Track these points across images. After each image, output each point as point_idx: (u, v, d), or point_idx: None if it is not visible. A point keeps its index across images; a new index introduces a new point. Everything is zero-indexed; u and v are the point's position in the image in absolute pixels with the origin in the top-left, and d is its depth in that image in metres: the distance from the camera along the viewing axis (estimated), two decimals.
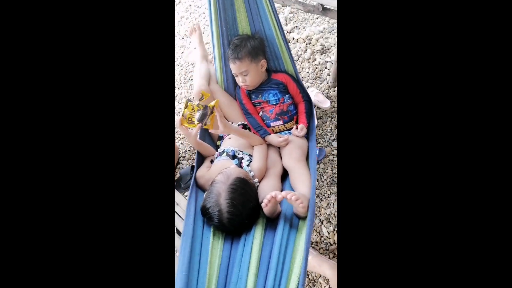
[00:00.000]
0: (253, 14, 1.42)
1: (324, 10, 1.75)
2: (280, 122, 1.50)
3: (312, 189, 1.17)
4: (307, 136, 1.49)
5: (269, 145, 1.49)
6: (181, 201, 1.62)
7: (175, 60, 2.59)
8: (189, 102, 1.25)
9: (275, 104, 1.49)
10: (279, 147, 1.49)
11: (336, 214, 1.65)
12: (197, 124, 1.27)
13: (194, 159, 2.19)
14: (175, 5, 2.93)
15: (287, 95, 1.51)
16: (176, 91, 2.43)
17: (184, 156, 2.13)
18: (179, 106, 2.32)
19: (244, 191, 1.15)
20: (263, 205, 1.10)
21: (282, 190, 1.33)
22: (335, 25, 2.43)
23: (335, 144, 1.91)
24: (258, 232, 1.11)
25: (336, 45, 1.90)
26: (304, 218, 1.13)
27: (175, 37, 2.74)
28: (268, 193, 1.18)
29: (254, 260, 1.02)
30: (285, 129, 1.51)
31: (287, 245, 1.05)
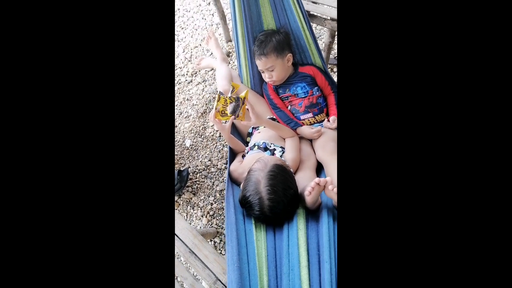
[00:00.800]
0: (278, 8, 1.43)
1: (310, 16, 1.82)
2: (310, 115, 1.48)
3: None
4: None
5: (300, 138, 1.47)
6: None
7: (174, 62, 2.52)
8: (221, 95, 1.24)
9: (304, 97, 1.48)
10: (311, 140, 1.47)
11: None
12: (230, 116, 1.26)
13: (180, 164, 2.12)
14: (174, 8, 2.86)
15: (316, 88, 1.50)
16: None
17: None
18: (180, 109, 2.25)
19: (284, 178, 1.12)
20: (306, 193, 1.07)
21: None
22: (322, 31, 2.53)
23: None
24: (301, 223, 1.08)
25: (323, 51, 1.98)
26: None
27: (175, 40, 2.67)
28: (305, 185, 1.17)
29: (303, 252, 0.99)
30: (315, 121, 1.50)
31: (335, 237, 1.02)
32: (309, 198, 1.08)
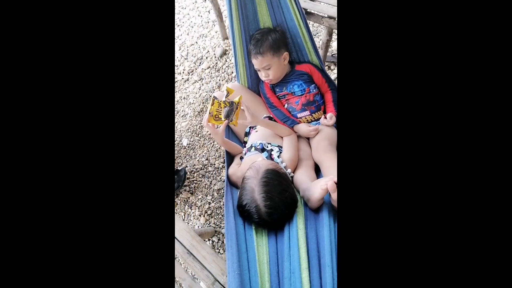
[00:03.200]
0: (274, 6, 1.41)
1: (307, 14, 1.81)
2: (307, 113, 1.47)
3: None
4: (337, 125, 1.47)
5: (298, 136, 1.46)
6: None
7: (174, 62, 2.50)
8: (215, 99, 1.23)
9: (301, 95, 1.47)
10: (308, 139, 1.46)
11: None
12: (224, 120, 1.26)
13: (178, 163, 2.11)
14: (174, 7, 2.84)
15: (313, 85, 1.49)
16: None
17: None
18: (177, 108, 2.24)
19: (278, 182, 1.12)
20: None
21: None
22: (319, 28, 2.51)
23: None
24: (300, 223, 1.08)
25: (320, 48, 1.98)
26: None
27: (175, 40, 2.65)
28: (306, 183, 1.18)
29: (303, 253, 0.99)
30: (313, 119, 1.49)
31: (336, 240, 1.01)
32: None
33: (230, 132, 1.56)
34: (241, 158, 1.41)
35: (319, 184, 1.07)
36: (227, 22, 1.92)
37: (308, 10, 1.79)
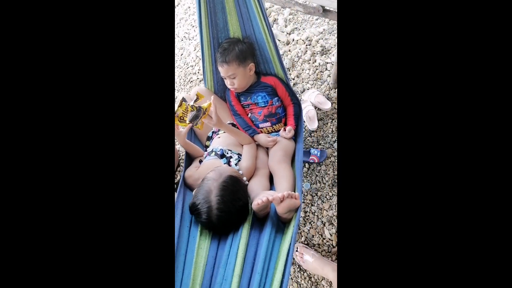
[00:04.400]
0: (244, 18, 1.43)
1: (325, 11, 1.73)
2: (268, 124, 1.51)
3: (297, 192, 1.14)
4: (295, 138, 1.50)
5: (258, 146, 1.50)
6: None
7: (175, 62, 2.60)
8: (183, 102, 1.25)
9: (264, 106, 1.51)
10: (267, 148, 1.50)
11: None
12: (188, 124, 1.28)
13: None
14: (174, 7, 2.94)
15: (276, 98, 1.52)
16: (176, 93, 2.45)
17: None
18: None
19: (235, 189, 1.15)
20: (254, 203, 1.09)
21: (270, 190, 1.34)
22: (335, 26, 2.41)
23: (336, 145, 1.88)
24: (244, 232, 1.10)
25: (336, 46, 1.88)
26: (288, 222, 1.12)
27: (175, 39, 2.75)
28: (257, 192, 1.21)
29: (239, 260, 1.01)
30: (273, 130, 1.53)
31: (272, 250, 1.04)
32: (255, 208, 1.11)
33: (193, 135, 1.61)
34: (200, 161, 1.45)
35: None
36: None
37: (325, 8, 1.73)
